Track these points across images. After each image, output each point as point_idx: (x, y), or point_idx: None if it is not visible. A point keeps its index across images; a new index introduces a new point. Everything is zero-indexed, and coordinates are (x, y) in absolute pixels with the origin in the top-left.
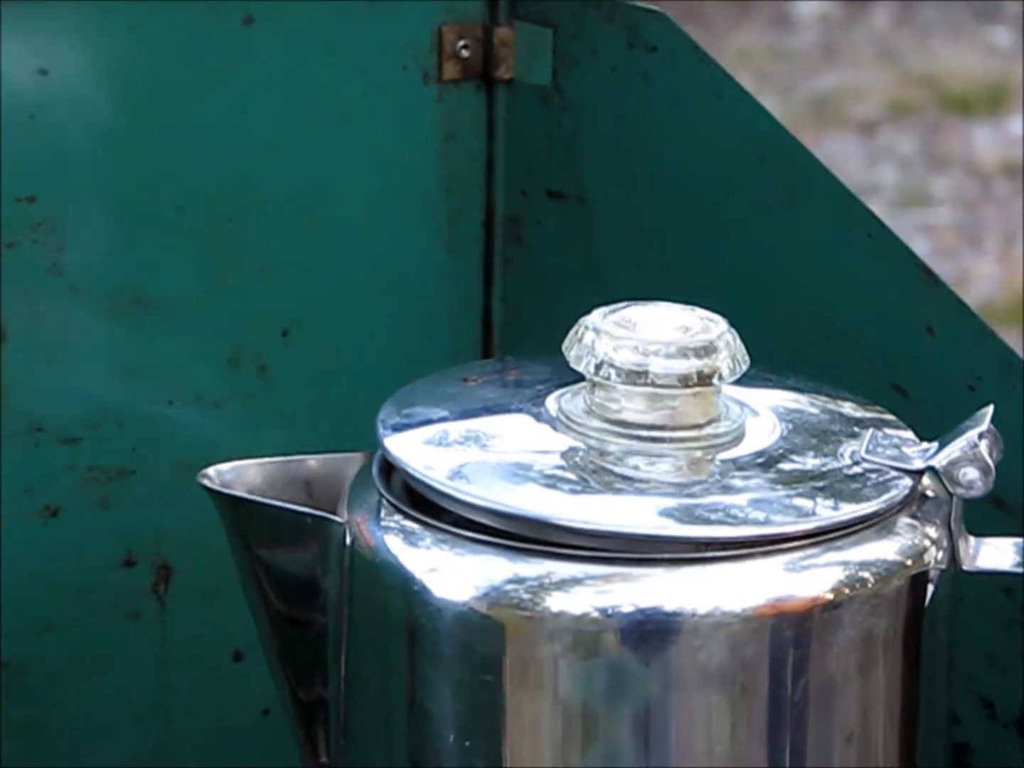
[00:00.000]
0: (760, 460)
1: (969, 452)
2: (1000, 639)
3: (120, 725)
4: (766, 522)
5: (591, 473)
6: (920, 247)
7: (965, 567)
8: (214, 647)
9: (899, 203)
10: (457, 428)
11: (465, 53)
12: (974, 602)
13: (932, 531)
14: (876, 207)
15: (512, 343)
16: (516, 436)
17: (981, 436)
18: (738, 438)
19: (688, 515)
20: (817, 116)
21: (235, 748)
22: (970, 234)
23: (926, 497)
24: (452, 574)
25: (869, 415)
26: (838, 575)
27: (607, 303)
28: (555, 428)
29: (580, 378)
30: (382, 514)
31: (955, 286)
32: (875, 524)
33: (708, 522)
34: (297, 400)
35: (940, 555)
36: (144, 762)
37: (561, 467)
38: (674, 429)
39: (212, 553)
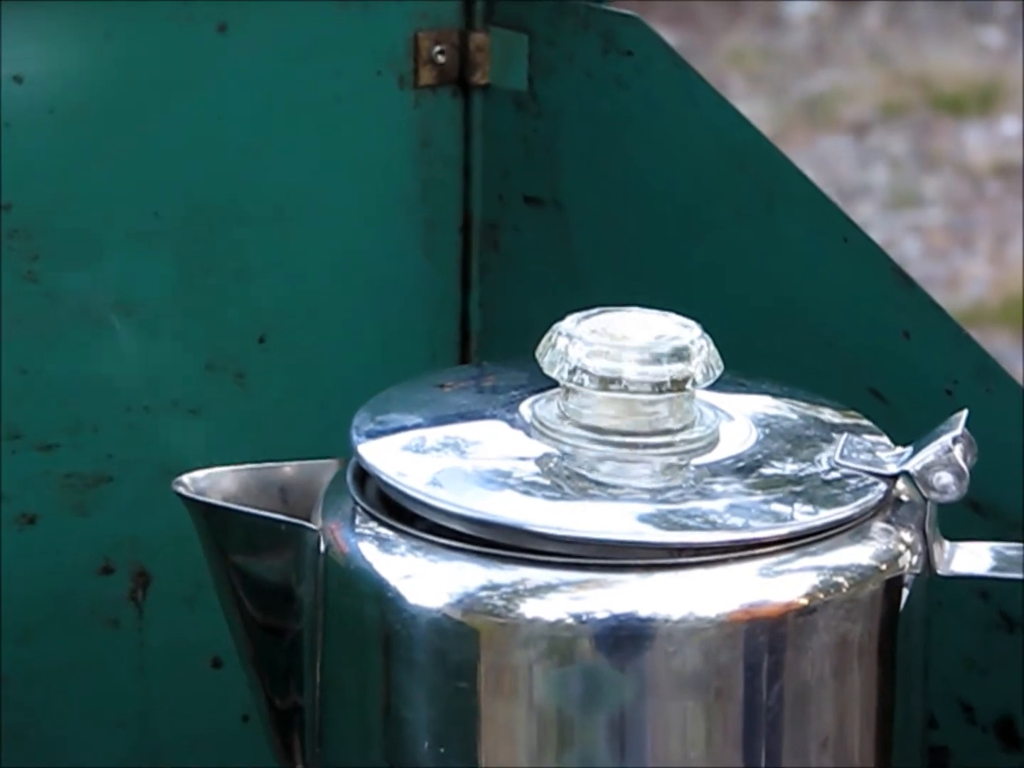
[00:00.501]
0: (734, 465)
1: (943, 456)
2: (978, 643)
3: (100, 732)
4: (740, 527)
5: (565, 479)
6: (911, 247)
7: (940, 571)
8: (193, 654)
9: (891, 203)
10: (431, 435)
11: (441, 58)
12: (952, 606)
13: (907, 535)
14: (867, 208)
15: (490, 348)
16: (490, 443)
17: (955, 440)
18: (712, 443)
19: (662, 521)
20: (809, 117)
21: (215, 754)
22: (961, 234)
23: (901, 501)
24: (426, 581)
25: (844, 420)
26: (813, 580)
27: (584, 308)
28: (529, 434)
29: (554, 384)
30: (356, 521)
31: (946, 287)
32: (850, 529)
33: (682, 527)
34: (274, 406)
35: (915, 559)
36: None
37: (535, 473)
38: (648, 435)
39: (190, 560)
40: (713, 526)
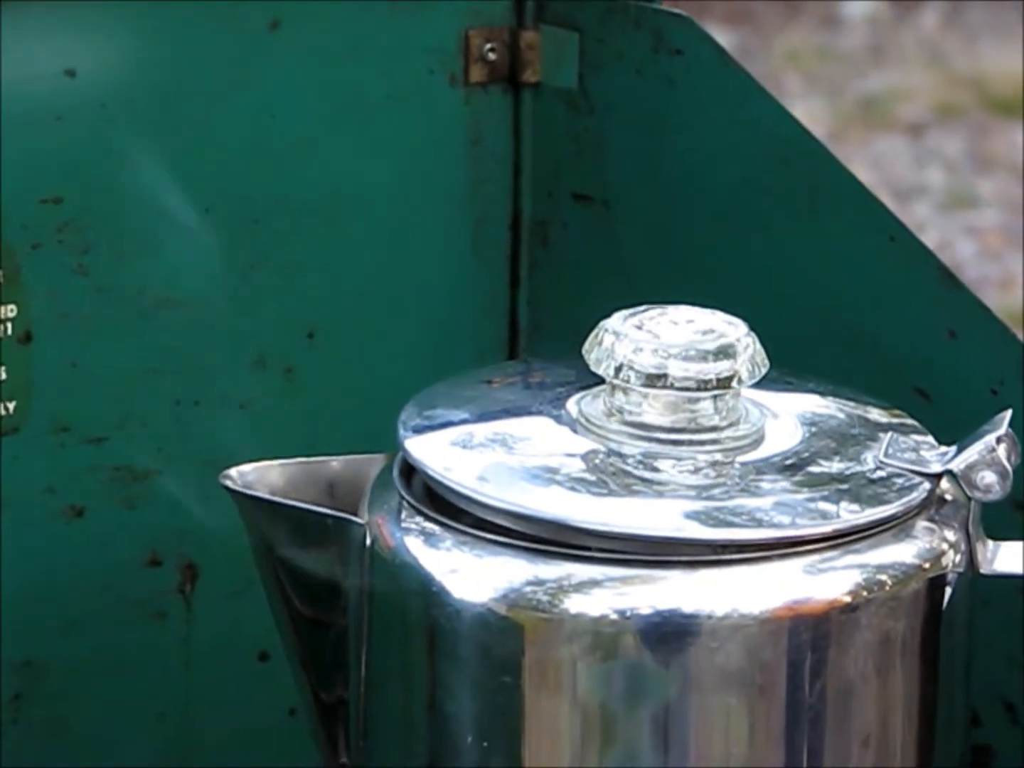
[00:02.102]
0: (779, 463)
1: (987, 456)
2: (1021, 642)
3: (144, 725)
4: (785, 525)
5: (610, 475)
6: (966, 249)
7: (983, 571)
8: (240, 647)
9: (946, 204)
10: (478, 430)
11: (492, 56)
12: (995, 605)
13: (950, 534)
14: (923, 208)
15: (538, 345)
16: (536, 439)
17: (999, 440)
18: (757, 441)
19: (707, 517)
20: (865, 117)
21: (260, 749)
22: (1016, 236)
23: (944, 500)
24: (471, 576)
25: (889, 419)
26: (856, 578)
27: (632, 305)
28: (575, 431)
29: (601, 381)
30: (402, 515)
31: (1000, 288)
32: (893, 527)
33: (726, 524)
34: (322, 401)
35: (958, 558)
36: (168, 762)
37: (581, 470)
38: (693, 432)
39: (238, 553)
40: (758, 523)
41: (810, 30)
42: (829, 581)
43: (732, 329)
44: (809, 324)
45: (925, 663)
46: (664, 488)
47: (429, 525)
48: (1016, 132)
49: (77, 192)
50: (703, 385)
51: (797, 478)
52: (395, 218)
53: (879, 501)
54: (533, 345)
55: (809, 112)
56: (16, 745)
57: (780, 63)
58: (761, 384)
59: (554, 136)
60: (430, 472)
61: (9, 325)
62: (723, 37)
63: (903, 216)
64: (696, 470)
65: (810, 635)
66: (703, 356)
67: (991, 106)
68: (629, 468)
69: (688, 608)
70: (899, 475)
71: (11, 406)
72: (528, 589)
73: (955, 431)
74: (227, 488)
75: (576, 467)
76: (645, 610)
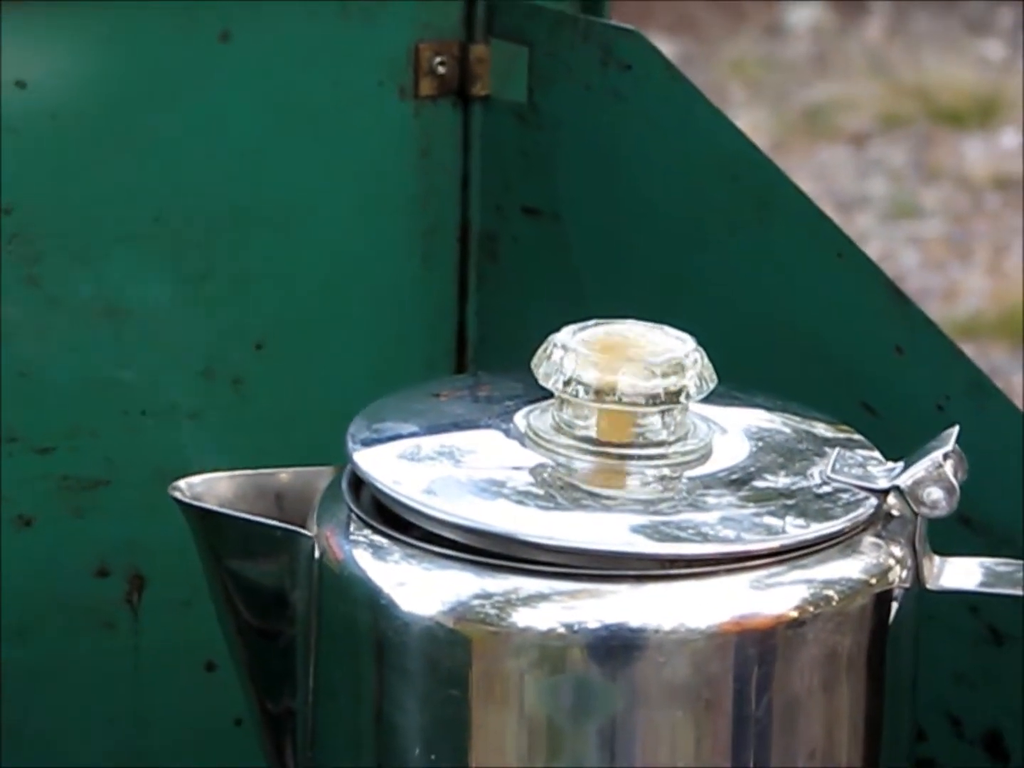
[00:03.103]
0: (727, 478)
1: (934, 472)
2: (967, 657)
3: (93, 732)
4: (732, 540)
5: (559, 489)
6: (910, 259)
7: (929, 586)
8: (187, 657)
9: (890, 215)
10: (426, 443)
11: (442, 69)
12: (941, 620)
13: (897, 550)
14: (866, 218)
15: (486, 358)
16: (485, 452)
17: (946, 456)
18: (705, 456)
19: (654, 532)
20: (809, 127)
21: (208, 757)
22: (960, 246)
23: (891, 516)
24: (419, 589)
25: (836, 434)
26: (803, 593)
27: (581, 319)
28: (524, 444)
29: (550, 395)
30: (351, 528)
31: (944, 298)
32: (840, 543)
33: (674, 539)
34: (270, 413)
35: (904, 574)
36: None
37: (529, 483)
38: (641, 447)
39: (186, 564)
40: (705, 538)
41: (754, 39)
42: (776, 596)
43: (680, 344)
44: (757, 339)
45: (871, 678)
46: (612, 502)
47: (377, 538)
48: (960, 142)
49: (27, 202)
50: (651, 400)
51: (744, 493)
52: (344, 229)
53: (826, 516)
54: (481, 357)
55: (753, 121)
56: None
57: (724, 72)
58: (709, 399)
59: (504, 150)
60: (379, 485)
61: None
62: (667, 46)
63: (847, 226)
64: (644, 484)
65: (757, 650)
66: (652, 371)
67: (935, 116)
68: (577, 482)
69: (635, 622)
70: (846, 490)
71: None
72: (476, 602)
73: (901, 446)
74: (176, 499)
75: (524, 481)
76: (592, 624)
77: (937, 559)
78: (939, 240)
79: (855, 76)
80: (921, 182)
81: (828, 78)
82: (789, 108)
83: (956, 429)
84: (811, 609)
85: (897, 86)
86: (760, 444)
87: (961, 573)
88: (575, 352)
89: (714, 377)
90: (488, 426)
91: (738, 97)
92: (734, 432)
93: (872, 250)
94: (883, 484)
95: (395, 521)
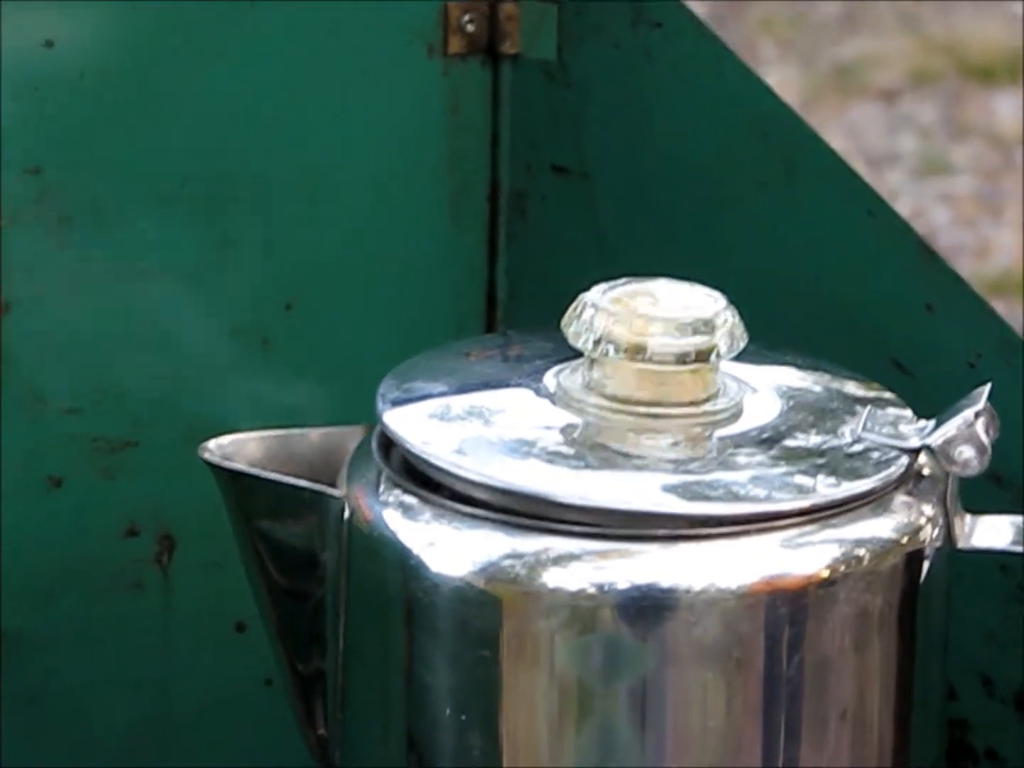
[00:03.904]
0: (758, 437)
1: (965, 431)
2: (998, 616)
3: (121, 695)
4: (763, 499)
5: (589, 449)
6: (940, 216)
7: (960, 545)
8: (216, 618)
9: (920, 172)
10: (456, 403)
11: (470, 28)
12: (972, 579)
13: (928, 509)
14: (896, 175)
15: (516, 317)
16: (515, 412)
17: (977, 415)
18: (736, 415)
19: (685, 492)
20: (839, 84)
21: (236, 719)
22: (991, 203)
23: (922, 475)
24: (449, 549)
25: (868, 393)
26: (834, 552)
27: (610, 278)
28: (554, 404)
29: (580, 354)
30: (381, 488)
31: (975, 255)
32: (871, 502)
33: (705, 499)
34: (299, 373)
35: (936, 533)
36: (145, 731)
37: (559, 443)
38: (672, 406)
39: (215, 524)
40: (736, 497)
41: None
42: (807, 555)
43: (711, 302)
44: (787, 297)
45: (902, 638)
46: (642, 462)
47: (407, 498)
48: (991, 98)
49: (55, 163)
50: (682, 359)
51: (775, 452)
52: (373, 189)
53: (857, 475)
54: (511, 316)
55: (782, 79)
56: None
57: (753, 29)
58: (740, 357)
59: (533, 108)
60: (409, 445)
61: None
62: (696, 4)
63: (877, 184)
64: (674, 444)
65: (787, 609)
66: (682, 330)
67: (967, 72)
68: (607, 442)
69: (666, 582)
70: (877, 449)
71: None
72: (506, 562)
73: (932, 404)
74: (205, 460)
75: (554, 440)
76: (623, 584)
77: (968, 518)
78: (970, 197)
79: (885, 32)
80: (951, 139)
81: (858, 35)
82: (819, 65)
83: (987, 387)
84: (842, 568)
85: (927, 42)
86: (791, 403)
87: (992, 532)
88: (605, 311)
89: (745, 335)
90: (518, 385)
91: (768, 55)
92: (765, 391)
93: (902, 207)
94: (914, 443)
95: (425, 481)
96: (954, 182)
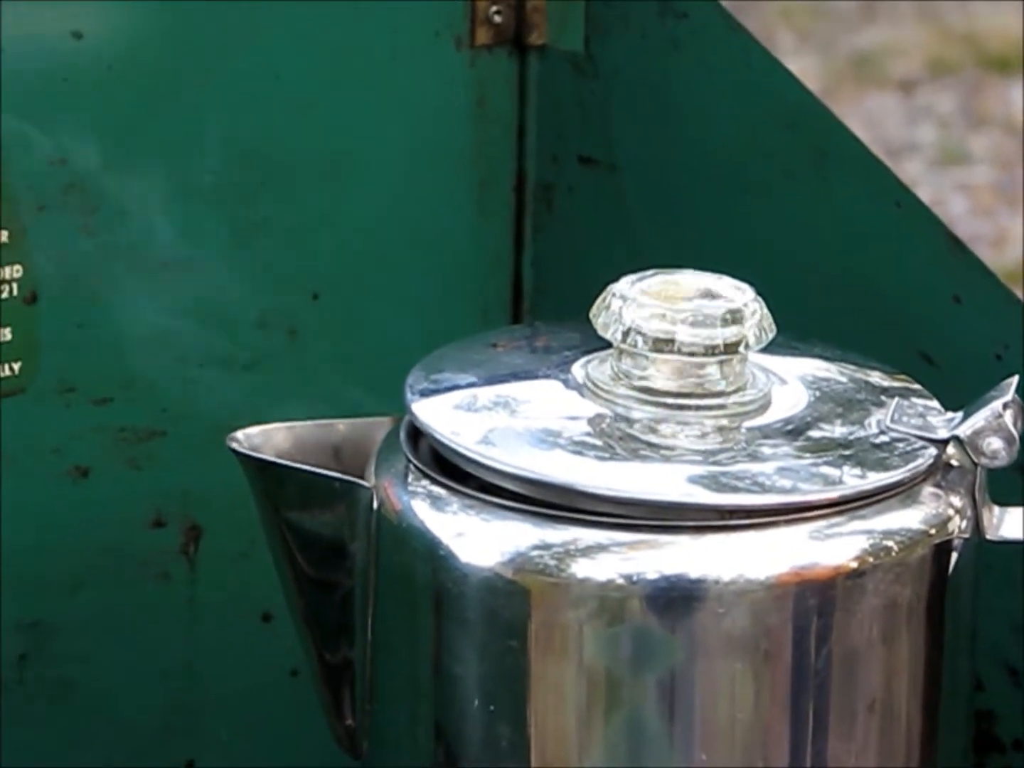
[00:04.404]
0: (786, 428)
1: (993, 422)
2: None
3: (148, 684)
4: (791, 490)
5: (617, 440)
6: (958, 206)
7: (989, 536)
8: (243, 608)
9: (938, 162)
10: (485, 394)
11: (498, 19)
12: (998, 570)
13: (956, 500)
14: (915, 166)
15: (542, 308)
16: (543, 403)
17: (1006, 406)
18: (764, 406)
19: (714, 483)
20: (857, 74)
21: (263, 709)
22: (1008, 193)
23: (950, 466)
24: (478, 539)
25: (895, 384)
26: (862, 544)
27: (637, 269)
28: (582, 395)
29: (608, 345)
30: (409, 479)
31: (992, 245)
32: (899, 493)
33: (734, 490)
34: (327, 363)
35: (964, 524)
36: (171, 721)
37: (587, 434)
38: (700, 397)
39: (242, 515)
40: (764, 489)
41: None
42: (835, 547)
43: (739, 294)
44: (814, 288)
45: (931, 629)
46: (671, 453)
47: (436, 489)
48: (1010, 88)
49: (83, 153)
50: (710, 350)
51: (803, 443)
52: (400, 179)
53: (885, 467)
54: (537, 307)
55: (801, 69)
56: (21, 704)
57: (772, 19)
58: (768, 349)
59: (559, 99)
60: (437, 436)
61: (15, 286)
62: None
63: (895, 173)
64: (703, 435)
65: (816, 601)
66: (711, 321)
67: (985, 62)
68: (635, 433)
69: (694, 573)
70: (905, 441)
71: (16, 366)
72: (535, 553)
73: (959, 396)
74: (234, 451)
75: (583, 431)
76: (651, 575)
77: (996, 509)
78: (988, 187)
79: (903, 23)
80: (969, 129)
81: (876, 25)
82: (837, 56)
83: (1015, 379)
84: (870, 560)
85: (945, 32)
86: (819, 394)
87: (1020, 523)
88: (634, 302)
89: (773, 327)
90: (546, 376)
91: (786, 45)
92: (793, 382)
93: (921, 197)
94: (942, 434)
95: (453, 472)
96: (972, 172)
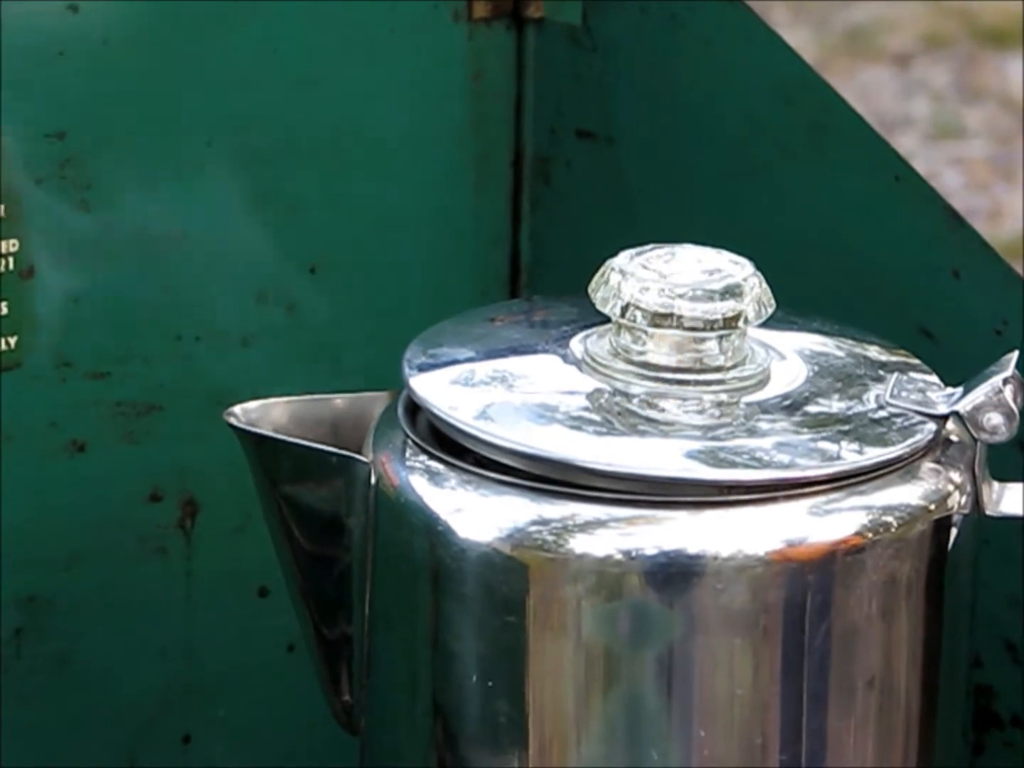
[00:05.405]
0: (785, 403)
1: (993, 397)
2: (1022, 582)
3: (145, 659)
4: (790, 465)
5: (616, 415)
6: (953, 180)
7: (988, 512)
8: (240, 583)
9: (932, 136)
10: (483, 368)
11: None
12: (995, 545)
13: (956, 476)
14: (909, 140)
15: (540, 283)
16: (541, 377)
17: (1006, 381)
18: (763, 381)
19: (712, 458)
20: (851, 48)
21: (259, 684)
22: (1003, 167)
23: (950, 442)
24: (476, 515)
25: (894, 359)
26: (861, 519)
27: (635, 244)
28: (580, 370)
29: (606, 320)
30: (407, 454)
31: (988, 219)
32: (899, 468)
33: (732, 465)
34: (324, 338)
35: (963, 500)
36: (168, 696)
37: (586, 409)
38: (699, 372)
39: (239, 489)
40: (763, 464)
41: None
42: (834, 522)
43: (738, 269)
44: (813, 263)
45: (930, 605)
46: (669, 428)
47: (434, 464)
48: (1004, 62)
49: (80, 127)
50: (710, 325)
51: (803, 419)
52: (397, 153)
53: (885, 442)
54: (535, 282)
55: (795, 43)
56: (18, 680)
57: None
58: (767, 324)
59: (557, 73)
60: (435, 411)
61: (11, 260)
62: None
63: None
64: (701, 410)
65: (815, 576)
66: (710, 296)
67: (979, 36)
68: (634, 408)
69: (693, 549)
70: (904, 416)
71: (12, 341)
72: (533, 529)
73: (959, 371)
74: (231, 425)
75: (581, 406)
76: (650, 550)
77: (996, 485)
78: (983, 161)
79: None
80: (964, 103)
81: None
82: (831, 29)
83: (1015, 354)
84: (869, 535)
85: (939, 6)
86: (818, 369)
87: (1020, 499)
88: (633, 276)
89: (772, 302)
90: (544, 351)
91: (780, 18)
92: (791, 357)
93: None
94: (942, 409)
95: (451, 447)
96: (967, 146)
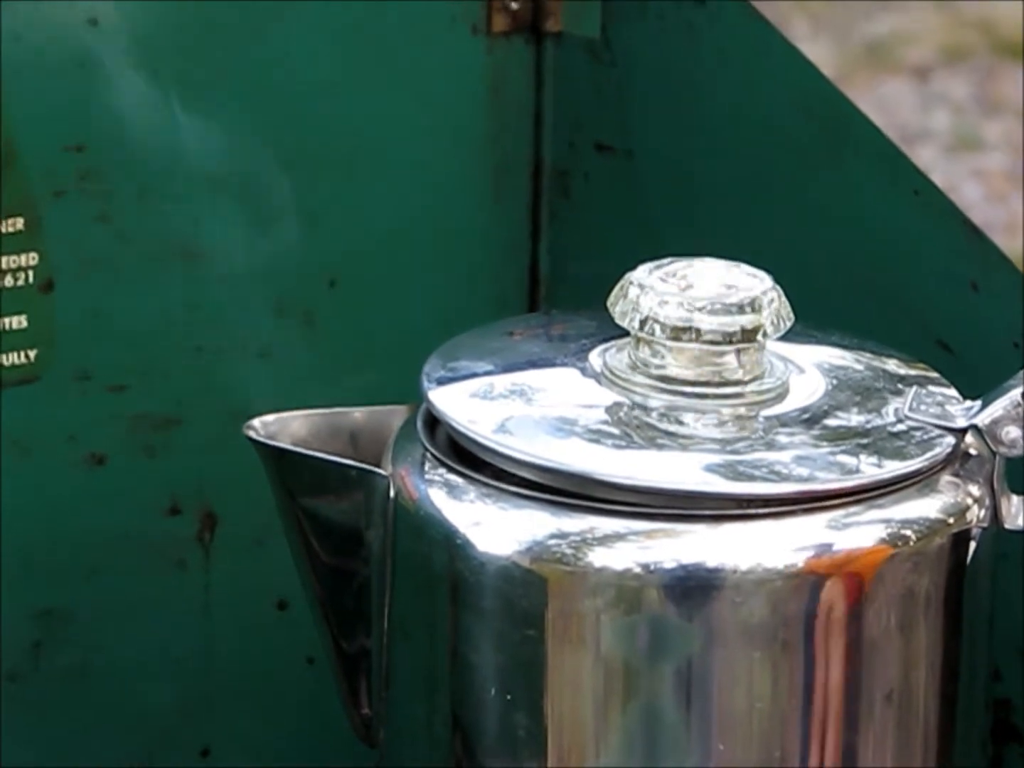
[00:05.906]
0: (804, 417)
1: (1012, 411)
2: None
3: (163, 672)
4: (809, 479)
5: (635, 429)
6: (972, 192)
7: (1007, 525)
8: (258, 596)
9: (952, 148)
10: (502, 382)
11: (514, 5)
12: (1016, 559)
13: (974, 489)
14: (928, 152)
15: (559, 296)
16: (560, 391)
17: None
18: (782, 395)
19: (731, 471)
20: (871, 61)
21: (278, 696)
22: (1022, 179)
23: (969, 455)
24: (495, 528)
25: (913, 372)
26: (880, 533)
27: (654, 257)
28: (599, 383)
29: (625, 333)
30: (426, 467)
31: (1006, 231)
32: (918, 482)
33: (751, 478)
34: (343, 351)
35: (982, 513)
36: (187, 709)
37: (605, 422)
38: (718, 385)
39: (257, 502)
40: (781, 477)
41: None
42: (853, 536)
43: (757, 282)
44: (831, 276)
45: (949, 618)
46: (688, 442)
47: (453, 477)
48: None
49: (99, 140)
50: (728, 339)
51: (821, 432)
52: (417, 166)
53: (903, 456)
54: (554, 294)
55: (816, 55)
56: (37, 691)
57: (787, 5)
58: (785, 337)
59: (576, 86)
60: (454, 424)
61: (31, 273)
62: None
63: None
64: (720, 424)
65: (834, 590)
66: (728, 309)
67: (999, 49)
68: (653, 421)
69: (712, 562)
70: (923, 429)
71: (32, 354)
72: (552, 542)
73: (977, 384)
74: (250, 438)
75: (600, 420)
76: (669, 564)
77: (1015, 498)
78: (1002, 173)
79: (917, 9)
80: (984, 115)
81: (890, 11)
82: (851, 42)
83: None
84: (888, 549)
85: (959, 18)
86: (836, 383)
87: None
88: (651, 290)
89: (791, 315)
90: (563, 365)
91: (800, 31)
92: (810, 371)
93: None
94: (961, 423)
95: (470, 460)
96: (986, 158)
